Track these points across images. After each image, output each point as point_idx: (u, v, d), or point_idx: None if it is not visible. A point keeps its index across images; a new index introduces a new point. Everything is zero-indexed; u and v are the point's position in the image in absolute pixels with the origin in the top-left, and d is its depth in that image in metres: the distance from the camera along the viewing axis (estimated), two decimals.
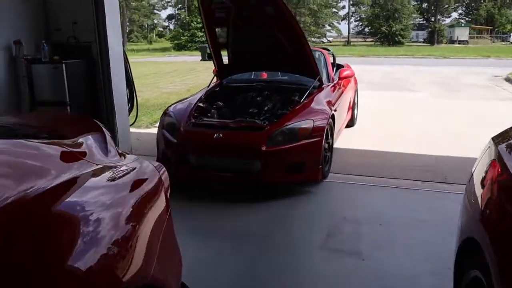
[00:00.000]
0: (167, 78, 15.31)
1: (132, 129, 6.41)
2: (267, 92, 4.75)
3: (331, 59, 6.14)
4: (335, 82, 5.17)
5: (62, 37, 4.87)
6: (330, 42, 56.30)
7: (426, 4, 54.39)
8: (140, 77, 16.23)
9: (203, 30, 4.74)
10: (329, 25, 55.79)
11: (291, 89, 4.73)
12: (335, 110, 4.51)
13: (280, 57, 4.62)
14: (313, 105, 4.19)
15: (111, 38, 4.77)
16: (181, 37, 42.30)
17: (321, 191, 3.94)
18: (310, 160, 3.80)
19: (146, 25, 69.14)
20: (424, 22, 55.61)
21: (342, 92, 5.20)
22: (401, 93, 10.49)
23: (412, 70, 16.79)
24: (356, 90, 6.68)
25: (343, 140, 5.61)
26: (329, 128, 4.23)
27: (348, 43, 52.37)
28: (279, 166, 3.69)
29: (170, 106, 4.57)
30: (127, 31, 67.16)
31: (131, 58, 4.49)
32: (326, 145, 4.15)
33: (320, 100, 4.33)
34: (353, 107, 6.30)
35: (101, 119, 4.91)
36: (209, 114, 4.30)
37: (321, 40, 51.68)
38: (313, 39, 47.92)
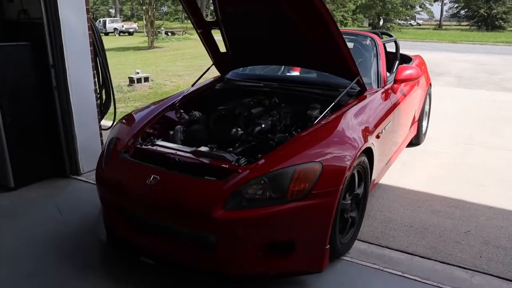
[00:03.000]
0: None
1: None
2: (275, 99, 3.13)
3: (392, 50, 4.32)
4: (387, 86, 3.37)
5: (14, 11, 3.66)
6: (420, 25, 51.18)
7: None
8: (198, 57, 15.05)
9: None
10: (420, 7, 50.44)
11: (313, 96, 3.05)
12: (377, 137, 2.79)
13: (297, 45, 2.96)
14: (334, 129, 2.50)
15: (66, 15, 3.44)
16: None
17: (322, 284, 2.29)
18: (307, 238, 2.15)
19: None
20: None
21: (398, 103, 3.38)
22: (496, 93, 8.06)
23: None
24: (428, 94, 4.73)
25: (397, 170, 3.82)
26: (361, 171, 2.55)
27: (439, 26, 47.12)
28: (249, 246, 2.10)
29: (144, 108, 3.17)
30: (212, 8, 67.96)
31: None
32: (349, 201, 2.48)
33: (349, 120, 2.60)
34: (420, 119, 4.41)
35: (55, 123, 3.68)
36: (171, 132, 2.82)
37: (409, 23, 46.86)
38: (399, 22, 43.57)
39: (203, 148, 2.42)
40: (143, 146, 2.58)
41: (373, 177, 2.97)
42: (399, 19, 42.97)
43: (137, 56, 16.72)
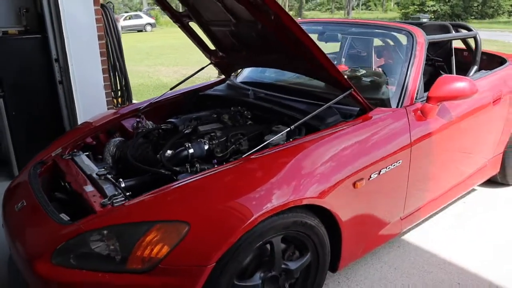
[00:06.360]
0: None
1: None
2: (247, 113, 2.42)
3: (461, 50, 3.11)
4: (415, 106, 2.29)
5: None
6: None
7: None
8: None
9: None
10: None
11: (291, 114, 2.22)
12: (354, 186, 1.88)
13: (273, 46, 2.21)
14: (253, 169, 1.71)
15: (67, 4, 3.28)
16: (410, 6, 37.59)
17: None
18: None
19: None
20: None
21: (430, 130, 2.29)
22: None
23: None
24: None
25: (440, 222, 2.71)
26: (301, 238, 1.76)
27: None
28: None
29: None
30: None
31: None
32: (258, 282, 1.68)
33: (296, 158, 1.77)
34: (506, 151, 3.06)
35: (60, 119, 3.62)
36: (109, 144, 2.36)
37: None
38: None
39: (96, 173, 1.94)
40: (61, 158, 2.22)
41: (383, 229, 2.16)
42: None
43: None
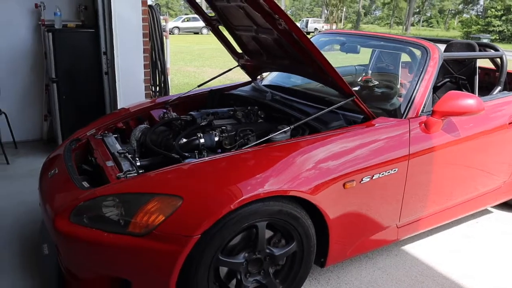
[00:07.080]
0: None
1: None
2: (259, 112, 2.62)
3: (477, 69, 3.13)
4: (420, 119, 2.37)
5: None
6: None
7: None
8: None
9: None
10: None
11: (297, 116, 2.40)
12: (344, 186, 2.02)
13: (289, 53, 2.41)
14: (245, 159, 1.89)
15: (119, 5, 3.65)
16: (473, 25, 36.18)
17: None
18: (143, 282, 1.73)
19: (448, 10, 63.34)
20: None
21: (433, 144, 2.36)
22: None
23: None
24: None
25: (445, 240, 2.75)
26: (287, 227, 1.92)
27: None
28: (90, 272, 1.82)
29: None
30: (429, 14, 64.06)
31: None
32: (242, 260, 1.87)
33: (292, 159, 1.94)
34: None
35: (104, 105, 4.00)
36: (135, 129, 2.63)
37: None
38: None
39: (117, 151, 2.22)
40: (94, 137, 2.53)
41: (377, 234, 2.29)
42: None
43: None
